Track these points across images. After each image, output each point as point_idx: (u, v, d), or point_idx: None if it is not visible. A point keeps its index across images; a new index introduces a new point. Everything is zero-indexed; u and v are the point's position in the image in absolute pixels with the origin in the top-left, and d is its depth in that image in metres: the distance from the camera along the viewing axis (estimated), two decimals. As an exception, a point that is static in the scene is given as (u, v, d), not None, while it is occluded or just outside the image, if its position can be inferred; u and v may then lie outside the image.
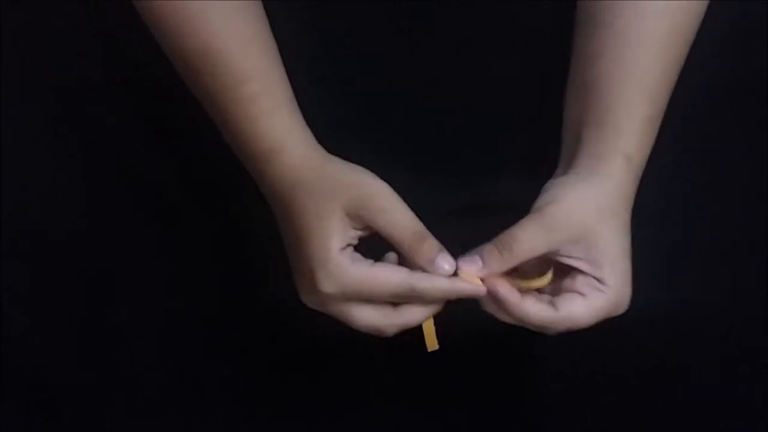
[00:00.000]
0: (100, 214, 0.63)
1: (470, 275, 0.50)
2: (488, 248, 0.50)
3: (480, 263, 0.50)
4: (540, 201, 0.51)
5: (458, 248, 0.52)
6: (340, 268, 0.49)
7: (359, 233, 0.51)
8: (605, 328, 0.52)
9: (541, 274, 0.52)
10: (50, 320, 0.66)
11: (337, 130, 0.57)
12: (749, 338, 0.66)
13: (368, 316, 0.51)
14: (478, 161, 0.60)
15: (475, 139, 0.59)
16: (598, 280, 0.50)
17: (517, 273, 0.52)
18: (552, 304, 0.50)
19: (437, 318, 0.53)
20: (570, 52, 0.55)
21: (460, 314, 0.52)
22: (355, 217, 0.50)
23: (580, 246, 0.50)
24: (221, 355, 0.67)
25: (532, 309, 0.50)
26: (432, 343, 0.53)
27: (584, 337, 0.53)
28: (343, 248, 0.50)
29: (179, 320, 0.66)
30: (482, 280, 0.50)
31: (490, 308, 0.51)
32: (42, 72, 0.60)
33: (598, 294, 0.50)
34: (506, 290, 0.50)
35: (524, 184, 0.53)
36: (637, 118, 0.52)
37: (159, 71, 0.52)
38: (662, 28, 0.51)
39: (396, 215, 0.50)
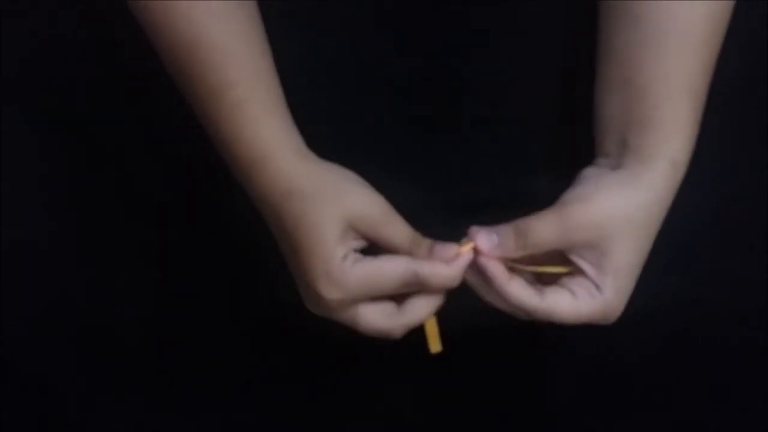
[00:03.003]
0: (100, 213, 0.63)
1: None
2: (505, 230, 0.51)
3: (496, 241, 0.50)
4: (571, 193, 0.51)
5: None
6: (344, 274, 0.49)
7: (358, 243, 0.51)
8: (611, 329, 0.52)
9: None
10: (50, 320, 0.65)
11: (344, 127, 0.57)
12: (756, 335, 0.66)
13: (374, 320, 0.51)
14: (491, 157, 0.59)
15: (493, 136, 0.59)
16: (596, 286, 0.50)
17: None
18: (539, 292, 0.50)
19: (440, 319, 0.53)
20: (597, 46, 0.53)
21: (462, 315, 0.52)
22: (356, 228, 0.50)
23: (594, 251, 0.49)
24: (222, 358, 0.67)
25: (516, 291, 0.50)
26: (435, 344, 0.53)
27: (589, 338, 0.53)
28: (345, 255, 0.50)
29: (181, 323, 0.66)
30: (477, 257, 0.50)
31: (476, 285, 0.51)
32: (38, 73, 0.59)
33: (589, 300, 0.50)
34: (496, 269, 0.50)
35: (544, 179, 0.53)
36: (682, 120, 0.50)
37: (155, 72, 0.52)
38: (700, 23, 0.49)
39: (396, 226, 0.51)
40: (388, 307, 0.51)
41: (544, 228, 0.50)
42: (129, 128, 0.61)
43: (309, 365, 0.66)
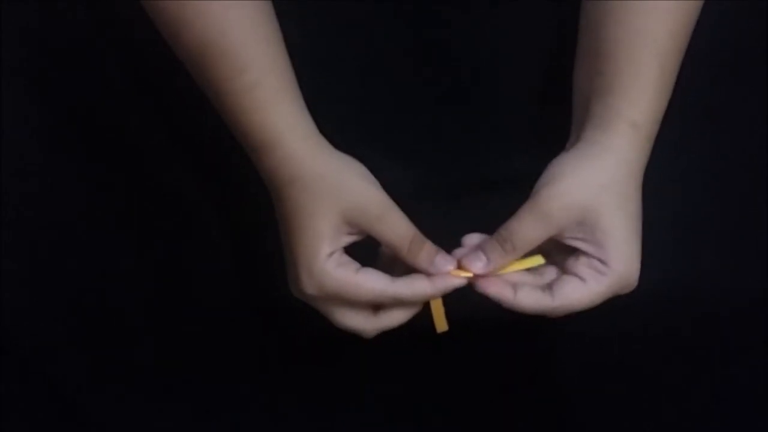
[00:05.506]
0: (106, 204, 0.63)
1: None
2: (490, 243, 0.50)
3: (484, 259, 0.50)
4: (538, 183, 0.51)
5: (472, 226, 0.53)
6: (323, 274, 0.50)
7: (352, 238, 0.51)
8: (619, 313, 0.52)
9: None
10: (52, 316, 0.66)
11: (339, 113, 0.57)
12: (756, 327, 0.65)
13: (348, 319, 0.52)
14: (488, 138, 0.59)
15: (485, 116, 0.59)
16: (601, 261, 0.49)
17: None
18: (549, 290, 0.50)
19: (446, 299, 0.52)
20: (578, 22, 0.54)
21: (467, 301, 0.51)
22: (353, 223, 0.50)
23: (583, 227, 0.49)
24: (224, 354, 0.68)
25: (527, 301, 0.49)
26: (441, 324, 0.53)
27: (594, 323, 0.52)
28: (331, 253, 0.50)
29: (182, 317, 0.66)
30: (473, 279, 0.50)
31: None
32: (47, 67, 0.60)
33: (599, 278, 0.49)
34: (497, 289, 0.50)
35: (536, 158, 0.53)
36: (645, 84, 0.50)
37: (168, 64, 0.52)
38: None
39: (394, 223, 0.50)
40: (363, 309, 0.52)
41: (524, 226, 0.50)
42: (134, 119, 0.61)
43: (312, 352, 0.66)
